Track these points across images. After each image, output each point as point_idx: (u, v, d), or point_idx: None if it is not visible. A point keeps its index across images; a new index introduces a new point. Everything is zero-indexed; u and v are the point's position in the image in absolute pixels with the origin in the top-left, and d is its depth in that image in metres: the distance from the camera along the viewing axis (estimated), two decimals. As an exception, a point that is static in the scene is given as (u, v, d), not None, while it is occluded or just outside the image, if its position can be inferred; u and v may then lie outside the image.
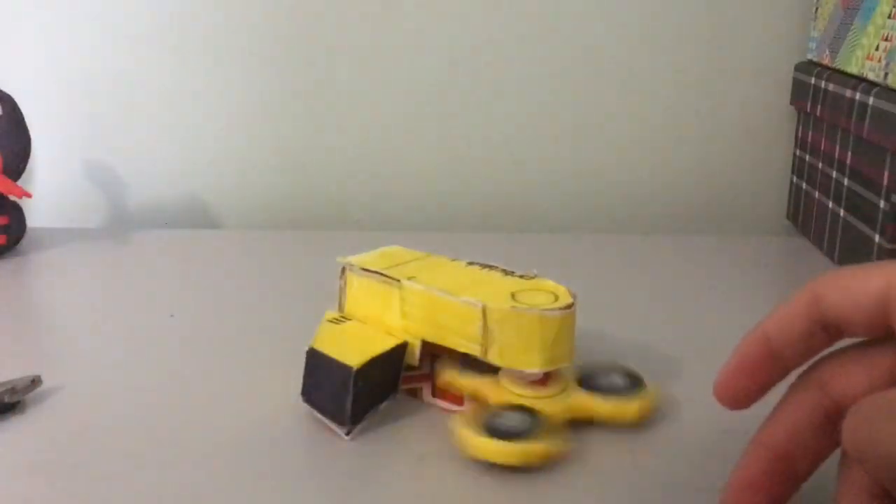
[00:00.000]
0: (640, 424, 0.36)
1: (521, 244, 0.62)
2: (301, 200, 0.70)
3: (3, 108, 0.56)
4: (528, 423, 0.33)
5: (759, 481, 0.28)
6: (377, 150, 0.70)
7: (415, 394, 0.39)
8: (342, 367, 0.34)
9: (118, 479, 0.33)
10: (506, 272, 0.39)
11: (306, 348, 0.36)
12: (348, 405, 0.34)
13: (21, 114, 0.57)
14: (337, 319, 0.39)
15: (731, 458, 0.34)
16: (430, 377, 0.38)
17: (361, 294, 0.39)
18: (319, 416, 0.36)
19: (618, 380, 0.37)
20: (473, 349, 0.35)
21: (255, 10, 0.67)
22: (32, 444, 0.35)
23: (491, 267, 0.39)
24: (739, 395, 0.28)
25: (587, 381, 0.37)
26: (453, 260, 0.40)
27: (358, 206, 0.71)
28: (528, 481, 0.32)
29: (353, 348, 0.36)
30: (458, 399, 0.37)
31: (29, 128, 0.58)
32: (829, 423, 0.27)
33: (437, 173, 0.70)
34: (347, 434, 0.35)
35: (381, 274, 0.38)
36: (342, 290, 0.40)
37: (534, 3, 0.67)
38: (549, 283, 0.37)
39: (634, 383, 0.37)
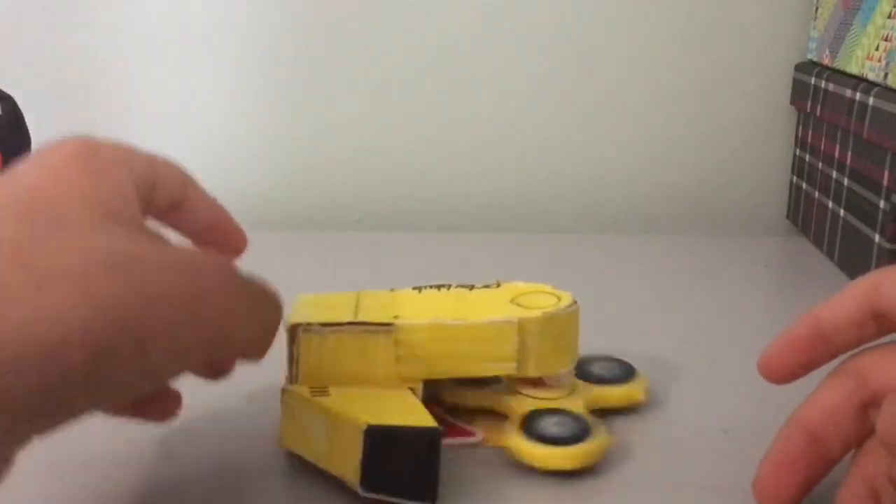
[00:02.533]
0: (649, 415, 0.37)
1: (521, 244, 0.62)
2: (301, 200, 0.70)
3: (3, 108, 0.56)
4: (572, 425, 0.33)
5: (796, 459, 0.29)
6: (377, 149, 0.70)
7: None
8: (424, 432, 0.30)
9: (118, 479, 0.33)
10: (467, 287, 0.37)
11: (358, 427, 0.29)
12: (437, 473, 0.30)
13: (21, 114, 0.57)
14: (316, 391, 0.33)
15: (730, 458, 0.34)
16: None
17: (327, 355, 0.34)
18: (392, 499, 0.30)
19: (610, 368, 0.38)
20: (506, 369, 0.34)
21: (255, 10, 0.67)
22: (32, 443, 0.35)
23: (446, 286, 0.37)
24: (783, 370, 0.29)
25: (582, 374, 0.38)
26: (394, 290, 0.37)
27: (358, 206, 0.71)
28: (528, 481, 0.32)
29: (395, 410, 0.31)
30: (465, 431, 0.36)
31: (29, 128, 0.58)
32: (865, 411, 0.28)
33: (436, 173, 0.70)
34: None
35: (360, 324, 0.33)
36: (295, 358, 0.34)
37: (533, 4, 0.66)
38: (523, 285, 0.37)
39: (625, 369, 0.38)
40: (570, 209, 0.70)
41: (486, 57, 0.68)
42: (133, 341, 0.22)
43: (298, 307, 0.36)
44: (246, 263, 0.59)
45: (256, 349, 0.28)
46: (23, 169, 0.26)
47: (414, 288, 0.37)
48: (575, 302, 0.35)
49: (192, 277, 0.25)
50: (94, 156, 0.27)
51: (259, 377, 0.33)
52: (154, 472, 0.33)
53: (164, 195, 0.29)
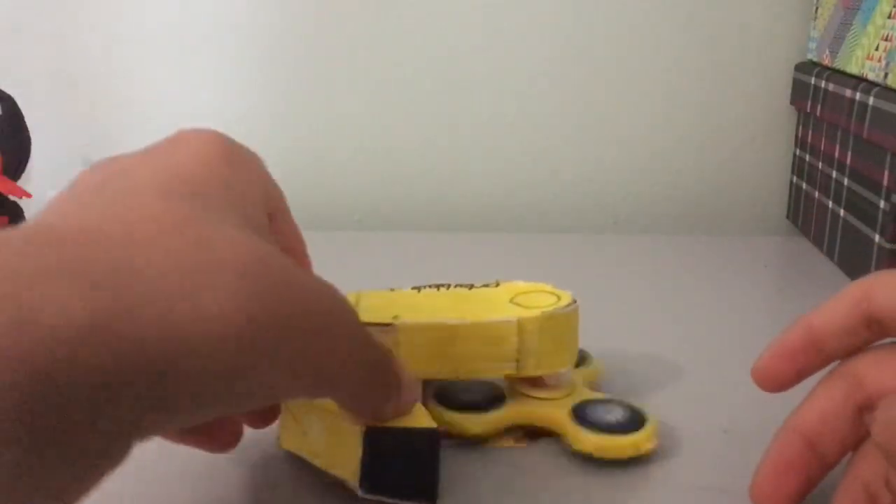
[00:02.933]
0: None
1: (521, 244, 0.62)
2: (301, 200, 0.70)
3: (3, 108, 0.56)
4: (624, 413, 0.34)
5: (792, 464, 0.29)
6: (377, 149, 0.70)
7: None
8: (423, 433, 0.30)
9: (118, 479, 0.33)
10: (466, 286, 0.37)
11: (357, 430, 0.29)
12: (437, 473, 0.30)
13: (21, 114, 0.57)
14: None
15: (730, 458, 0.34)
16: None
17: None
18: (392, 501, 0.30)
19: (614, 413, 0.36)
20: (506, 368, 0.34)
21: (254, 10, 0.67)
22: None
23: (445, 286, 0.37)
24: (777, 378, 0.29)
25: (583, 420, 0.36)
26: (393, 290, 0.37)
27: (358, 206, 0.71)
28: (528, 480, 0.32)
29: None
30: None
31: (29, 128, 0.58)
32: (860, 414, 0.28)
33: (436, 173, 0.70)
34: None
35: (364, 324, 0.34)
36: None
37: (533, 4, 0.66)
38: (523, 284, 0.37)
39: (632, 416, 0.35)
40: (570, 209, 0.70)
41: (486, 57, 0.68)
42: (271, 348, 0.21)
43: None
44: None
45: (375, 391, 0.27)
46: (164, 148, 0.26)
47: (413, 288, 0.37)
48: (575, 301, 0.35)
49: (322, 291, 0.24)
50: (234, 151, 0.27)
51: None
52: (153, 473, 0.33)
53: (256, 215, 0.29)
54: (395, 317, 0.34)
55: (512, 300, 0.35)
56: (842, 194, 0.56)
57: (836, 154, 0.57)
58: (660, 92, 0.68)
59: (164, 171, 0.24)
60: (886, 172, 0.50)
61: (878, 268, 0.51)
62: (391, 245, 0.62)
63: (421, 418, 0.30)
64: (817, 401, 0.29)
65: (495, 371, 0.34)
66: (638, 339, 0.45)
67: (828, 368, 0.29)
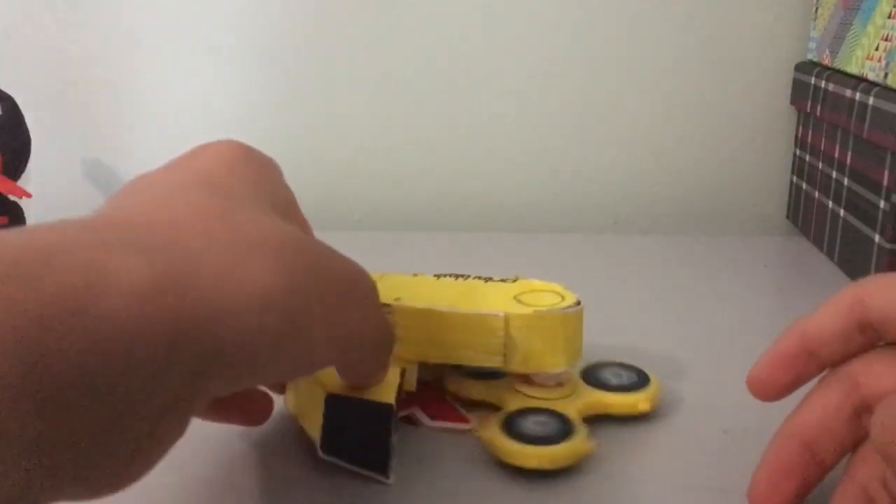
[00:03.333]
0: (650, 416, 0.36)
1: (521, 244, 0.62)
2: (301, 200, 0.70)
3: (3, 108, 0.56)
4: (555, 425, 0.33)
5: (790, 467, 0.28)
6: (377, 149, 0.70)
7: (411, 420, 0.36)
8: (378, 407, 0.31)
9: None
10: (483, 279, 0.38)
11: (321, 394, 0.32)
12: (390, 447, 0.32)
13: (21, 114, 0.57)
14: None
15: (730, 458, 0.34)
16: (422, 401, 0.37)
17: None
18: (349, 466, 0.32)
19: (622, 375, 0.38)
20: (493, 361, 0.34)
21: (254, 10, 0.67)
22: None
23: (464, 276, 0.38)
24: (772, 387, 0.29)
25: (591, 378, 0.37)
26: (416, 276, 0.38)
27: (358, 206, 0.71)
28: (528, 482, 0.32)
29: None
30: (460, 417, 0.36)
31: (29, 128, 0.58)
32: (858, 416, 0.28)
33: (436, 173, 0.70)
34: (388, 478, 0.32)
35: None
36: None
37: (533, 4, 0.66)
38: (538, 283, 0.37)
39: (639, 377, 0.38)
40: (570, 209, 0.70)
41: (487, 57, 0.68)
42: (308, 316, 0.24)
43: None
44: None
45: (375, 361, 0.30)
46: (186, 158, 0.28)
47: (435, 275, 0.39)
48: (578, 303, 0.35)
49: (348, 266, 0.27)
50: (253, 154, 0.29)
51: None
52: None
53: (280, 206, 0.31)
54: (397, 299, 0.35)
55: (516, 297, 0.35)
56: (842, 194, 0.56)
57: (836, 154, 0.57)
58: (660, 92, 0.68)
59: (195, 174, 0.27)
60: (886, 172, 0.50)
61: (878, 268, 0.51)
62: (391, 245, 0.62)
63: (385, 395, 0.32)
64: (814, 404, 0.29)
65: (483, 362, 0.34)
66: (638, 338, 0.45)
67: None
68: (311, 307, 0.24)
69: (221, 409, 0.32)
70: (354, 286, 0.27)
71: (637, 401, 0.36)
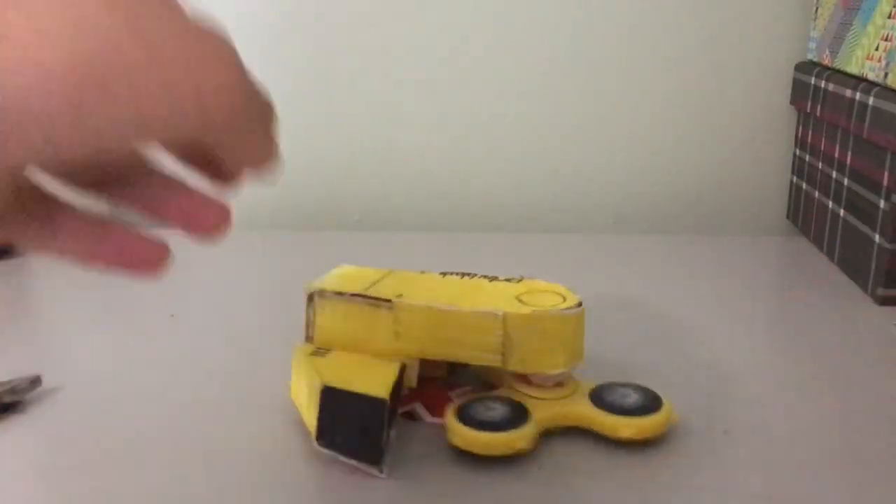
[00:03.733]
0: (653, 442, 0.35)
1: (521, 244, 0.62)
2: (301, 200, 0.70)
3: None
4: (509, 415, 0.34)
5: None
6: (377, 149, 0.70)
7: (412, 416, 0.37)
8: (372, 401, 0.32)
9: (118, 480, 0.33)
10: (489, 278, 0.38)
11: (318, 386, 0.32)
12: (382, 441, 0.32)
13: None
14: (317, 352, 0.36)
15: (730, 458, 0.34)
16: (423, 396, 0.37)
17: (337, 321, 0.36)
18: (343, 458, 0.32)
19: (633, 398, 0.35)
20: (491, 360, 0.34)
21: (255, 10, 0.67)
22: (32, 444, 0.35)
23: (469, 275, 0.38)
24: None
25: (601, 396, 0.36)
26: (423, 273, 0.39)
27: (358, 206, 0.71)
28: (526, 478, 0.32)
29: (365, 378, 0.33)
30: None
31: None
32: None
33: (436, 173, 0.70)
34: (381, 472, 0.32)
35: (365, 296, 0.35)
36: (310, 320, 0.37)
37: (534, 5, 0.66)
38: (542, 283, 0.37)
39: (650, 403, 0.35)
40: (570, 209, 0.70)
41: (487, 57, 0.68)
42: (123, 71, 0.22)
43: (330, 275, 0.39)
44: (247, 264, 0.59)
45: (242, 129, 0.26)
46: None
47: (441, 273, 0.39)
48: (579, 305, 0.35)
49: (193, 30, 0.24)
50: None
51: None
52: (159, 463, 0.33)
53: None
54: (399, 295, 0.35)
55: (519, 297, 0.35)
56: (842, 194, 0.56)
57: (836, 154, 0.57)
58: (660, 92, 0.68)
59: None
60: (886, 172, 0.50)
61: (877, 268, 0.51)
62: (391, 245, 0.62)
63: (381, 389, 0.32)
64: None
65: (482, 360, 0.35)
66: (637, 338, 0.45)
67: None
68: (122, 60, 0.22)
69: (168, 214, 0.29)
70: (197, 42, 0.24)
71: (623, 425, 0.34)
